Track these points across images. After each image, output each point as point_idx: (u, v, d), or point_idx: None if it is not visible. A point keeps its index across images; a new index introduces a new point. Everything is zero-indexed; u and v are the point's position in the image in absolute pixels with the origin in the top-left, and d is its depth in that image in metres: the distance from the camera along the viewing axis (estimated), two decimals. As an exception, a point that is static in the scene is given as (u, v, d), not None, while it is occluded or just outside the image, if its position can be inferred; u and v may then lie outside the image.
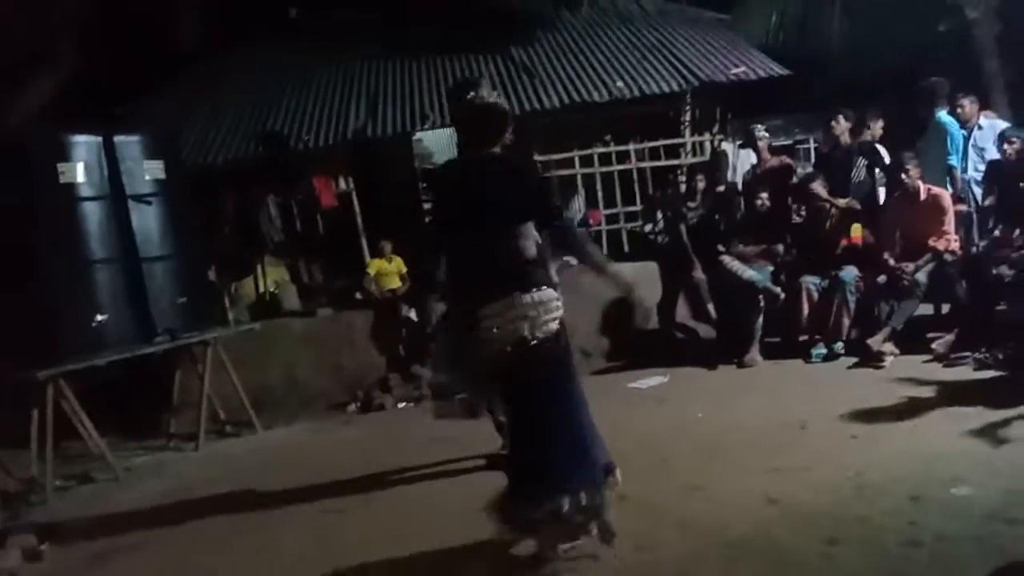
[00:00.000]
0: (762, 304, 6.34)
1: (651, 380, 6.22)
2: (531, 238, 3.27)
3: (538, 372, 3.16)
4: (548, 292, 3.22)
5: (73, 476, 5.73)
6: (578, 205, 9.09)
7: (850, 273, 6.10)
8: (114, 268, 6.13)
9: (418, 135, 10.29)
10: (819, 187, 6.47)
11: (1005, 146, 6.04)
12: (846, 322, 6.03)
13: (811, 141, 8.30)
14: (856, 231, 6.35)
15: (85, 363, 5.63)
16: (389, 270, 8.18)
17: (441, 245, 3.42)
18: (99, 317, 5.93)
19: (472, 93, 3.38)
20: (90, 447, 5.84)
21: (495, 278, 3.19)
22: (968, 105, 6.73)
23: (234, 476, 5.27)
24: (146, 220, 6.31)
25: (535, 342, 3.14)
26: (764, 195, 6.75)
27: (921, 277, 5.84)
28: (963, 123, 6.67)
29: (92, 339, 5.86)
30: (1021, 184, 5.77)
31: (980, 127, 6.70)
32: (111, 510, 4.96)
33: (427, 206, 7.86)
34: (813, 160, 8.06)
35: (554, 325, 3.20)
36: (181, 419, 6.60)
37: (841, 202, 6.44)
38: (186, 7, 10.65)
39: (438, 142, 11.22)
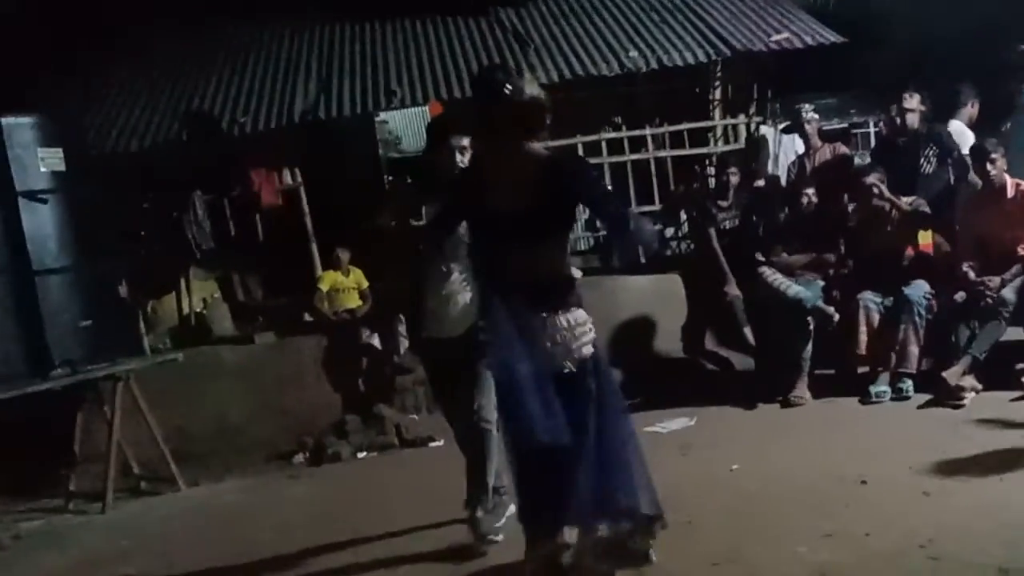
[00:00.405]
0: (811, 328, 6.35)
1: (674, 422, 6.25)
2: (568, 251, 3.62)
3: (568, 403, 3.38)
4: (580, 313, 3.49)
5: (-52, 545, 5.68)
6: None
7: (919, 290, 6.13)
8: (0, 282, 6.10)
9: (382, 116, 10.32)
10: (877, 182, 6.50)
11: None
12: (915, 350, 6.06)
13: (871, 124, 8.32)
14: (925, 238, 6.39)
15: (-38, 404, 5.59)
16: (346, 285, 8.17)
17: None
18: (-23, 345, 5.89)
19: (509, 87, 3.42)
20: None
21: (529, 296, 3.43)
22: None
23: (150, 546, 5.23)
24: (41, 222, 6.26)
25: (567, 371, 3.41)
26: (811, 191, 6.78)
27: (1008, 294, 5.87)
28: None
29: (-29, 373, 5.82)
30: None
31: None
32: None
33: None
34: (872, 148, 8.07)
35: (587, 350, 3.46)
36: (84, 474, 6.54)
37: (905, 202, 6.46)
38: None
39: (407, 124, 11.28)
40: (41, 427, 6.64)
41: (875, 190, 6.49)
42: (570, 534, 3.55)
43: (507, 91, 3.41)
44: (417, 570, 4.25)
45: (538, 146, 3.54)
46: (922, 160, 6.81)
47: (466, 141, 4.24)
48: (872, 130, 9.65)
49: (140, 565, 4.96)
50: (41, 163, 6.31)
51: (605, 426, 3.48)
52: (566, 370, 3.42)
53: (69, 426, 6.56)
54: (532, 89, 3.47)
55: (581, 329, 3.47)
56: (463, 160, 4.22)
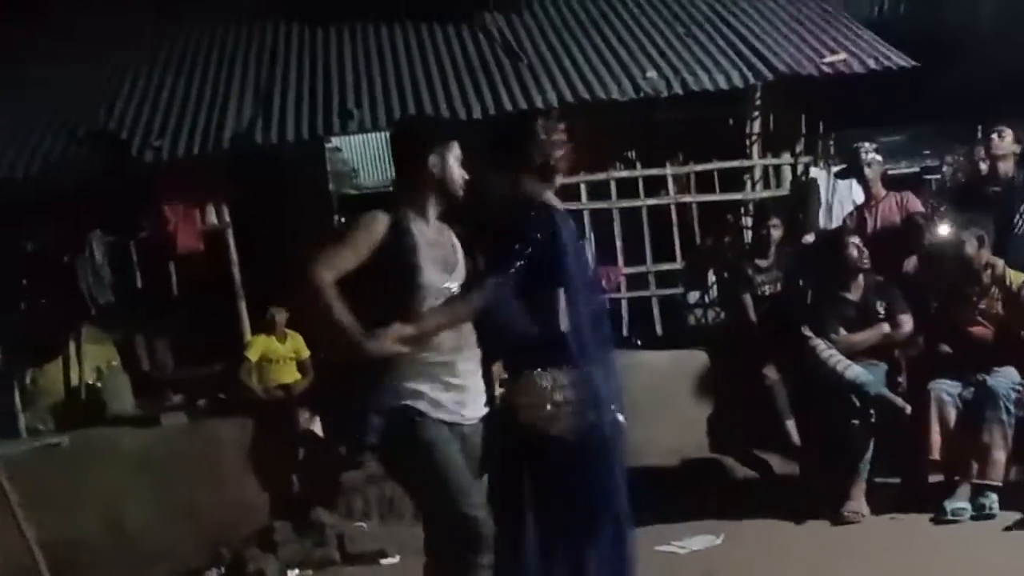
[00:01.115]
0: (874, 422, 6.36)
1: (696, 540, 6.20)
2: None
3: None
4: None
5: None
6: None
7: (1006, 379, 6.15)
8: None
9: (335, 142, 10.36)
10: (979, 252, 6.49)
11: None
12: (1001, 456, 6.06)
13: (945, 167, 8.44)
14: None
15: None
16: (281, 354, 8.16)
17: None
18: None
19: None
20: None
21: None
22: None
23: None
24: None
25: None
26: (863, 249, 6.79)
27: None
28: None
29: None
30: None
31: None
32: None
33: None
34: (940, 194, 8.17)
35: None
36: (-65, 588, 6.48)
37: (1017, 278, 6.47)
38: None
39: (366, 153, 11.35)
40: None
41: (977, 263, 6.50)
42: None
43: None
44: None
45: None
46: (1018, 217, 6.89)
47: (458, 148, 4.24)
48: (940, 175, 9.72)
49: None
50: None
51: None
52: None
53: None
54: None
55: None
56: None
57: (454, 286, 3.88)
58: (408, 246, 3.78)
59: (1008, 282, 6.43)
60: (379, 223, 3.75)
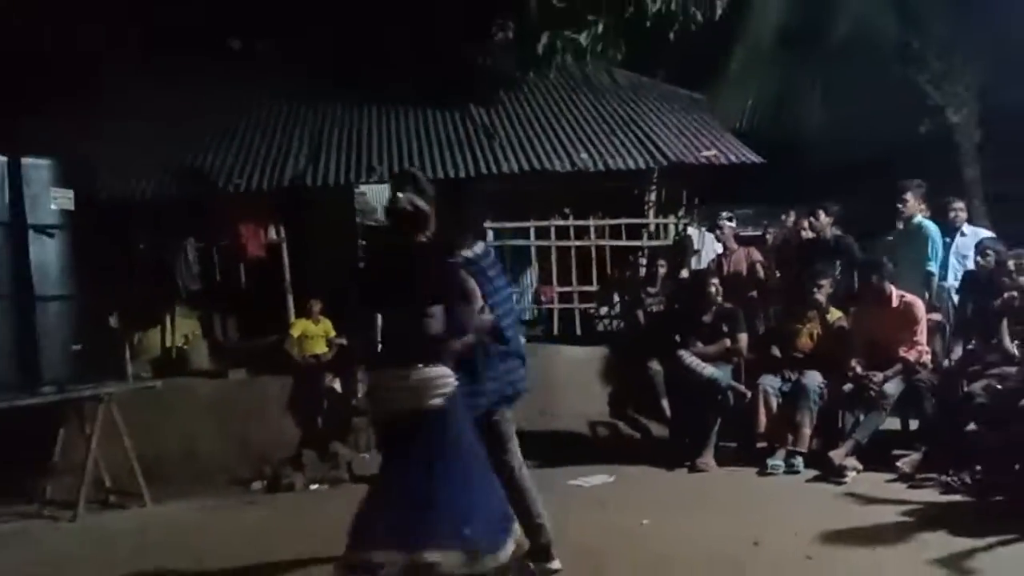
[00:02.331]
0: (724, 404, 6.38)
1: (594, 478, 6.18)
2: (437, 317, 3.82)
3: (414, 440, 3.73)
4: (438, 369, 3.76)
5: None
6: (530, 279, 9.14)
7: (814, 379, 6.20)
8: (3, 305, 5.96)
9: (362, 188, 10.30)
10: (818, 293, 6.53)
11: (979, 258, 6.28)
12: (807, 432, 6.10)
13: (773, 231, 8.63)
14: (834, 315, 6.47)
15: (-45, 411, 5.40)
16: (315, 333, 8.08)
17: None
18: (-22, 359, 5.72)
19: (401, 194, 3.88)
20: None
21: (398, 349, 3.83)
22: (960, 211, 7.05)
23: (110, 557, 5.03)
24: (46, 254, 6.16)
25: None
26: (717, 286, 6.81)
27: (889, 388, 5.97)
28: (952, 229, 6.95)
29: (-34, 384, 5.63)
30: (994, 300, 5.98)
31: (963, 234, 6.99)
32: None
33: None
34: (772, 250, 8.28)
35: (437, 401, 3.73)
36: (60, 483, 6.33)
37: (834, 316, 6.53)
38: (114, 26, 10.63)
39: (383, 198, 11.27)
40: (25, 438, 6.42)
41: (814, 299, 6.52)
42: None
43: (400, 197, 3.86)
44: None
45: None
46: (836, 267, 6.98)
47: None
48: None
49: (99, 568, 4.81)
50: (53, 201, 6.22)
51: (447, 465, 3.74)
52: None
53: (51, 439, 6.37)
54: (418, 201, 3.87)
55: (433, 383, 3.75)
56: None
57: None
58: None
59: (828, 316, 6.51)
60: None
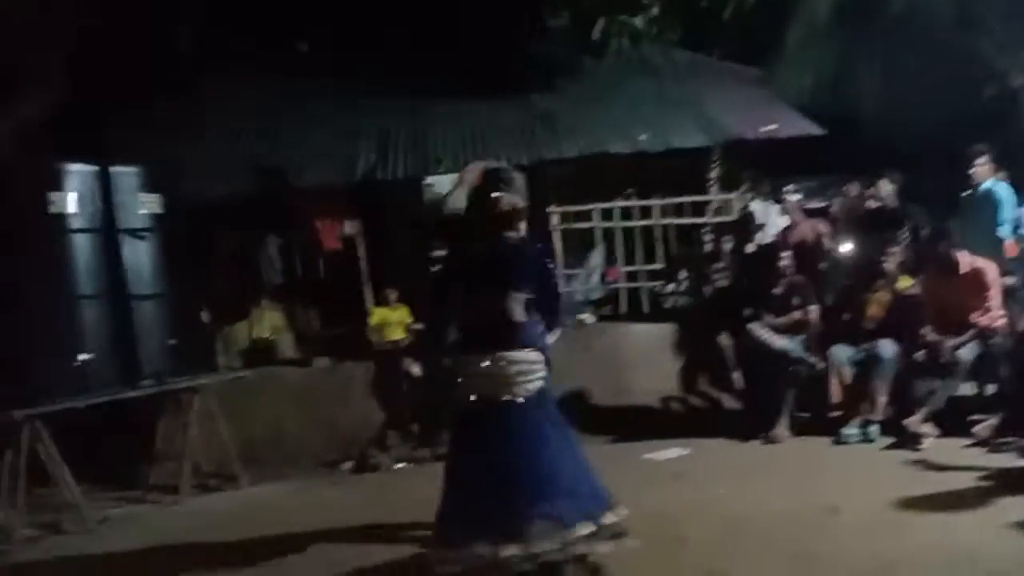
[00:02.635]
0: (796, 376, 6.29)
1: (669, 452, 6.16)
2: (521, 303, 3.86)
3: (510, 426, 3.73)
4: (535, 354, 3.81)
5: (44, 525, 5.68)
6: (596, 261, 9.10)
7: (889, 348, 6.06)
8: (102, 305, 6.18)
9: (429, 179, 10.37)
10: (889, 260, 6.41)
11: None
12: (882, 400, 5.98)
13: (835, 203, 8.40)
14: (905, 282, 6.32)
15: (64, 405, 5.62)
16: (393, 320, 8.16)
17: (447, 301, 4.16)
18: (82, 356, 5.93)
19: (500, 195, 3.91)
20: (64, 495, 5.78)
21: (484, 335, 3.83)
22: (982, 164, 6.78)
23: (212, 536, 5.20)
24: (139, 256, 6.37)
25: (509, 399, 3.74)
26: (788, 259, 6.70)
27: (963, 355, 5.81)
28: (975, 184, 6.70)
29: (74, 379, 5.86)
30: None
31: None
32: (80, 565, 4.89)
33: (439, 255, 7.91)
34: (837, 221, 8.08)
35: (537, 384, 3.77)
36: (162, 470, 6.56)
37: (905, 284, 6.38)
38: (191, 35, 10.86)
39: (450, 187, 11.33)
40: (128, 428, 6.67)
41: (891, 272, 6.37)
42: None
43: (495, 196, 3.89)
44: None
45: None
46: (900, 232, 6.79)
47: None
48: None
49: (203, 545, 4.98)
50: (141, 206, 6.42)
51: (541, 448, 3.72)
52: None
53: (151, 428, 6.59)
54: (515, 199, 3.91)
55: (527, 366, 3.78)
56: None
57: None
58: None
59: (898, 285, 6.36)
60: None
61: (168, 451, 6.59)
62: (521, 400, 3.74)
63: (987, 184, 6.69)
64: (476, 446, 3.79)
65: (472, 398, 3.79)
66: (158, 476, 6.54)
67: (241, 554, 4.74)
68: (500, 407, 3.74)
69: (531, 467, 3.68)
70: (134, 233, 6.38)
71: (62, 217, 6.05)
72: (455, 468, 3.88)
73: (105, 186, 6.27)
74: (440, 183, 10.79)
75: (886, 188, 7.06)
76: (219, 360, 7.47)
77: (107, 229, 6.26)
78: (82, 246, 6.15)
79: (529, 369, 3.78)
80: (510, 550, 3.56)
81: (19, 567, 4.94)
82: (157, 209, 6.51)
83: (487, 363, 3.75)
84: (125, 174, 6.38)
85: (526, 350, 3.78)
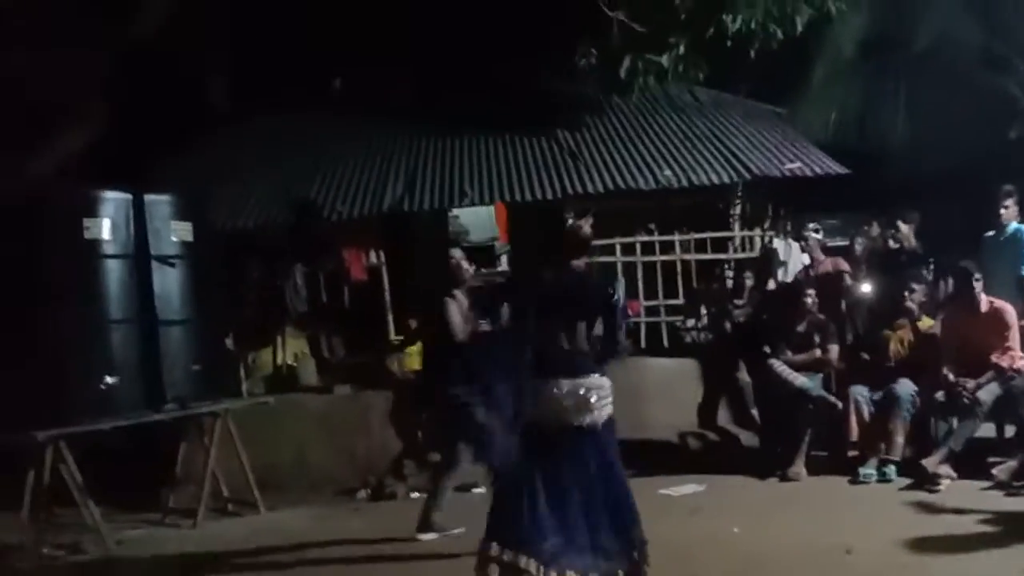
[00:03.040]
0: (815, 413, 6.22)
1: (685, 488, 6.11)
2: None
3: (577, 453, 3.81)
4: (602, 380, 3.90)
5: (63, 545, 5.71)
6: (617, 294, 9.08)
7: (907, 388, 5.99)
8: (130, 329, 6.23)
9: (455, 211, 10.45)
10: (910, 300, 6.35)
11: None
12: (900, 440, 5.91)
13: (861, 242, 8.32)
14: (927, 323, 6.26)
15: (89, 427, 5.68)
16: (413, 349, 8.18)
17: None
18: (109, 379, 5.99)
19: (578, 220, 4.24)
20: (84, 516, 5.83)
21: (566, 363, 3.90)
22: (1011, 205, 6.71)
23: (227, 562, 5.21)
24: (168, 282, 6.43)
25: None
26: (812, 296, 6.66)
27: (983, 395, 5.73)
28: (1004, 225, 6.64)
29: (99, 402, 5.91)
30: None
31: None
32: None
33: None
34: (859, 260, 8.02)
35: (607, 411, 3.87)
36: (182, 493, 6.58)
37: (926, 324, 6.32)
38: (225, 69, 11.09)
39: (474, 220, 11.40)
40: (150, 451, 6.71)
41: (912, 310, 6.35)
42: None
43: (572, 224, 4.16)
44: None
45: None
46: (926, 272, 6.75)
47: None
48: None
49: (217, 571, 4.97)
50: (173, 234, 6.49)
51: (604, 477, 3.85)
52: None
53: (173, 452, 6.63)
54: (587, 228, 4.14)
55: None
56: None
57: None
58: None
59: (920, 324, 6.33)
60: None
61: (189, 475, 6.61)
62: (596, 425, 3.84)
63: (1014, 225, 6.63)
64: (548, 467, 3.82)
65: (548, 421, 3.82)
66: (178, 500, 6.56)
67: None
68: (575, 432, 3.81)
69: (600, 494, 3.80)
70: (165, 260, 6.45)
71: (96, 243, 6.13)
72: (521, 482, 3.85)
73: (139, 213, 6.35)
74: (464, 215, 10.92)
75: (904, 228, 7.01)
76: (243, 386, 7.50)
77: (139, 255, 6.33)
78: (114, 271, 6.21)
79: (603, 395, 3.87)
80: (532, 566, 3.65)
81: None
82: (188, 237, 6.58)
83: (564, 389, 3.81)
84: (159, 202, 6.47)
85: (597, 376, 3.89)
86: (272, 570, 4.87)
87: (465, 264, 5.56)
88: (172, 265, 6.46)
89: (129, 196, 6.32)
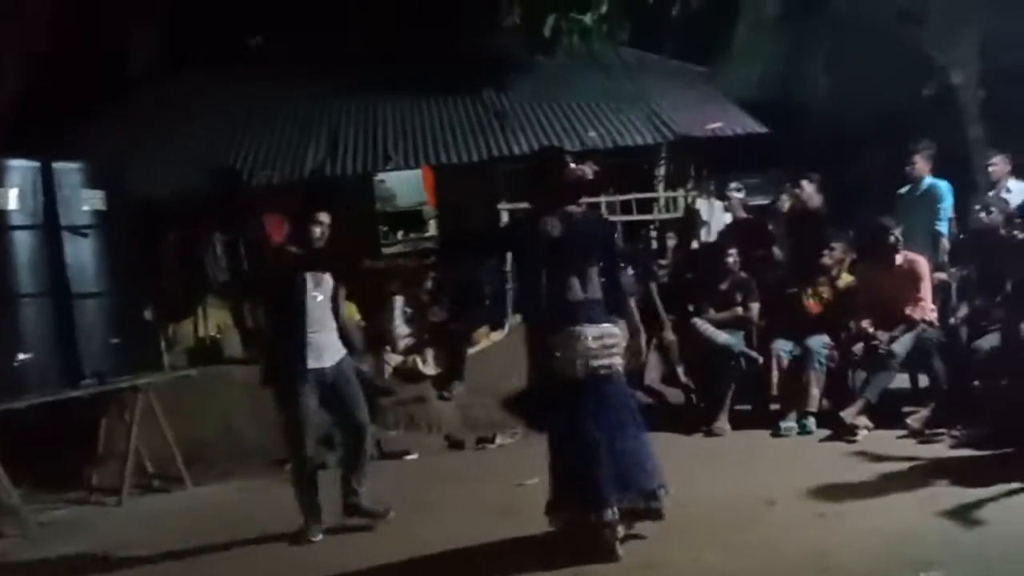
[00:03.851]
0: (738, 369, 6.38)
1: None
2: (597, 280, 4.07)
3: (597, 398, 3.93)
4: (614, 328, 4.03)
5: (-20, 529, 5.55)
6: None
7: (819, 341, 6.20)
8: (42, 303, 6.01)
9: (380, 176, 10.32)
10: (832, 256, 6.51)
11: (982, 214, 6.23)
12: (816, 393, 6.11)
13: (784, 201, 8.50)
14: (846, 279, 6.45)
15: (3, 406, 5.50)
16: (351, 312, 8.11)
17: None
18: (21, 356, 5.79)
19: (575, 163, 4.18)
20: (1, 498, 5.66)
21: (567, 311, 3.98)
22: (1000, 163, 6.96)
23: (158, 537, 5.13)
24: (81, 253, 6.21)
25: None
26: (733, 256, 6.80)
27: (897, 347, 5.95)
28: (993, 182, 6.87)
29: (13, 380, 5.72)
30: (999, 255, 5.93)
31: (1009, 190, 6.89)
32: (18, 570, 4.81)
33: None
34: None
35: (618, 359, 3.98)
36: (105, 471, 6.42)
37: (845, 280, 6.50)
38: (134, 30, 10.68)
39: (402, 184, 11.31)
40: (70, 429, 6.54)
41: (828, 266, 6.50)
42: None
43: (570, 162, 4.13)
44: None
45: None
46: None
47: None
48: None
49: (148, 550, 4.91)
50: (85, 203, 6.27)
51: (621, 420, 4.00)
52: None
53: (94, 429, 6.47)
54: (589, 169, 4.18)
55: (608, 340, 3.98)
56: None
57: None
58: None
59: (838, 281, 6.50)
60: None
61: (112, 452, 6.45)
62: (613, 371, 3.96)
63: (928, 180, 6.86)
64: (576, 414, 3.93)
65: (571, 370, 3.90)
66: (101, 477, 6.42)
67: (182, 555, 4.73)
68: (596, 378, 3.91)
69: (624, 438, 3.97)
70: (76, 230, 6.23)
71: (2, 213, 5.89)
72: (562, 436, 4.00)
73: (48, 182, 6.11)
74: (391, 180, 10.80)
75: (807, 187, 7.21)
76: (164, 359, 7.34)
77: (49, 226, 6.11)
78: (23, 243, 5.98)
79: (616, 342, 3.99)
80: (607, 515, 3.83)
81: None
82: (101, 206, 6.36)
83: (583, 336, 3.89)
84: (68, 170, 6.23)
85: (610, 324, 4.01)
86: (201, 547, 4.81)
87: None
88: (84, 235, 6.24)
89: (37, 164, 6.07)
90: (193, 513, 5.74)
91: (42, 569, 4.87)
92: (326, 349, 4.70)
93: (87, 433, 6.46)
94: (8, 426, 5.74)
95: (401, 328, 8.09)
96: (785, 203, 7.82)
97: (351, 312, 7.98)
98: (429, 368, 7.59)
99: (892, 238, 6.16)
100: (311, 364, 4.61)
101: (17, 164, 6.00)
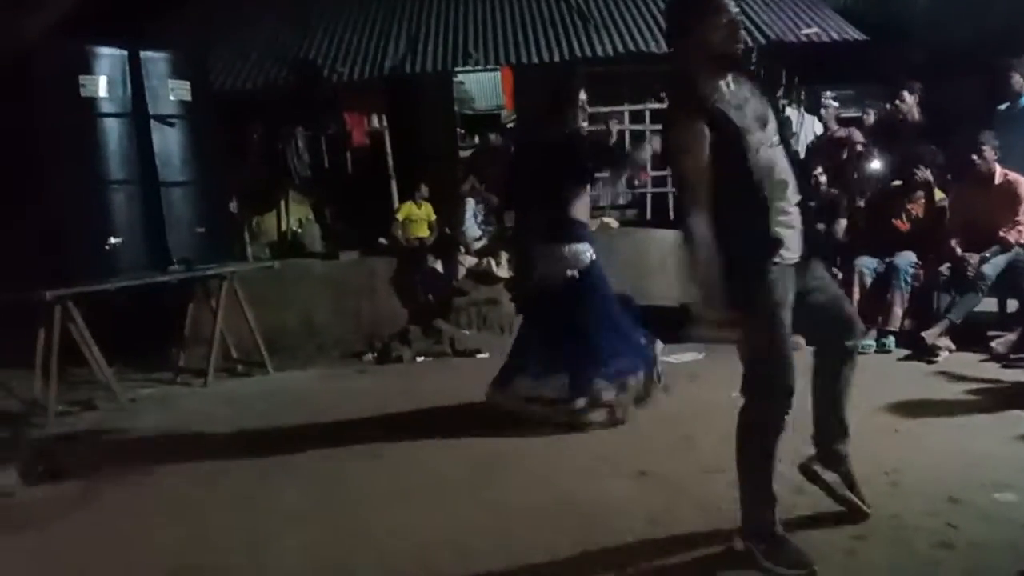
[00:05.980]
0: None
1: (685, 355, 6.20)
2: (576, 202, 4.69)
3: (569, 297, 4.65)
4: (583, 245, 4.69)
5: (77, 402, 5.90)
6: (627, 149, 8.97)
7: (906, 259, 6.01)
8: (131, 190, 6.21)
9: (460, 77, 10.20)
10: (925, 171, 6.29)
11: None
12: (899, 311, 5.96)
13: (871, 114, 8.12)
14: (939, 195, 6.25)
15: (96, 287, 5.75)
16: (418, 216, 8.20)
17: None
18: (112, 240, 6.01)
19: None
20: (96, 374, 5.98)
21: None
22: None
23: (240, 416, 5.39)
24: (168, 142, 6.36)
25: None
26: (819, 170, 6.60)
27: (987, 270, 5.75)
28: None
29: (104, 263, 5.96)
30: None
31: None
32: (112, 440, 5.11)
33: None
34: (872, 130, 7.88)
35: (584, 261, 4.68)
36: (191, 354, 6.73)
37: (938, 196, 6.26)
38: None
39: (480, 87, 11.19)
40: (158, 312, 6.83)
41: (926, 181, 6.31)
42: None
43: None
44: (452, 450, 4.39)
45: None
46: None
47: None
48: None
49: (231, 424, 5.19)
50: (171, 93, 6.38)
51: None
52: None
53: (181, 314, 6.74)
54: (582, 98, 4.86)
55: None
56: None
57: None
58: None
59: (934, 196, 6.27)
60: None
61: (197, 336, 6.74)
62: (578, 274, 4.63)
63: (1028, 98, 6.50)
64: (550, 314, 4.70)
65: (549, 278, 4.67)
66: (187, 360, 6.72)
67: (265, 432, 4.97)
68: (565, 282, 4.63)
69: (595, 328, 4.66)
70: (163, 119, 6.36)
71: (92, 101, 6.03)
72: (528, 329, 4.92)
73: (135, 71, 6.22)
74: (470, 81, 10.67)
75: (908, 99, 6.87)
76: (248, 250, 7.55)
77: (137, 115, 6.24)
78: (112, 131, 6.14)
79: (583, 252, 4.68)
80: (579, 403, 4.52)
81: (53, 439, 5.14)
82: (186, 96, 6.47)
83: (557, 251, 4.63)
84: (155, 59, 6.33)
85: (577, 244, 4.66)
86: (281, 426, 5.04)
87: None
88: (171, 125, 6.37)
89: (124, 53, 6.17)
90: (275, 396, 5.98)
91: (133, 437, 5.16)
92: None
93: (174, 317, 6.74)
94: (101, 307, 6.03)
95: (472, 230, 8.14)
96: (872, 116, 7.49)
97: (428, 212, 8.08)
98: (503, 270, 7.63)
99: (991, 154, 5.87)
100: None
101: (106, 51, 6.11)
